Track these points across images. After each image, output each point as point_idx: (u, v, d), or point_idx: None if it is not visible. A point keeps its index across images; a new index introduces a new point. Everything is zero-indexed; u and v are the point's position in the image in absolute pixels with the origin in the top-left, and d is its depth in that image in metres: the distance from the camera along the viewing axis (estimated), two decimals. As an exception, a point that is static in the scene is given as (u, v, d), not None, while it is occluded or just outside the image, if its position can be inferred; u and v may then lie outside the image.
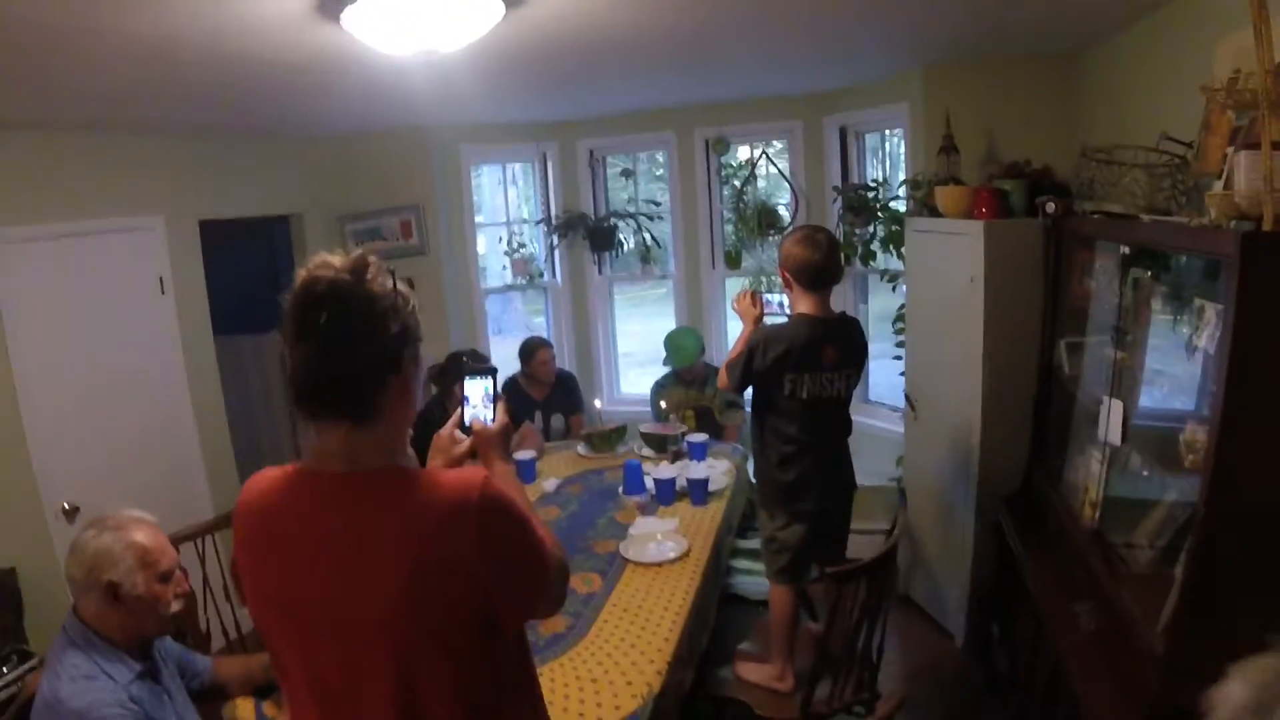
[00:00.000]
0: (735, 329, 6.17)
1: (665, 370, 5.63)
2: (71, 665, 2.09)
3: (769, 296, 3.57)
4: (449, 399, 4.54)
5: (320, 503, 1.45)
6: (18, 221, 3.90)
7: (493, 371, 1.93)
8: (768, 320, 3.42)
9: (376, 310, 1.40)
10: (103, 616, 2.17)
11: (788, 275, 3.29)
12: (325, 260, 1.43)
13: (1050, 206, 3.55)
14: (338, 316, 1.37)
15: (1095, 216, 3.09)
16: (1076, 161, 3.46)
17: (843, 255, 5.15)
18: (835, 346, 3.24)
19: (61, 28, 2.39)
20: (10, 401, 3.87)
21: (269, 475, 1.54)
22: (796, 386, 3.21)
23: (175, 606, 2.29)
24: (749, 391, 3.38)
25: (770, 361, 3.19)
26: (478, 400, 1.88)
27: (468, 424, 1.86)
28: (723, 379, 3.40)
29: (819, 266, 3.23)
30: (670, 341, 5.53)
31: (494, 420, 1.87)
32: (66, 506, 4.03)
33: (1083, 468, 3.18)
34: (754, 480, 3.56)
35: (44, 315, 4.03)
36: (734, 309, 3.54)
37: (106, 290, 4.36)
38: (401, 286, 1.48)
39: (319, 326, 1.37)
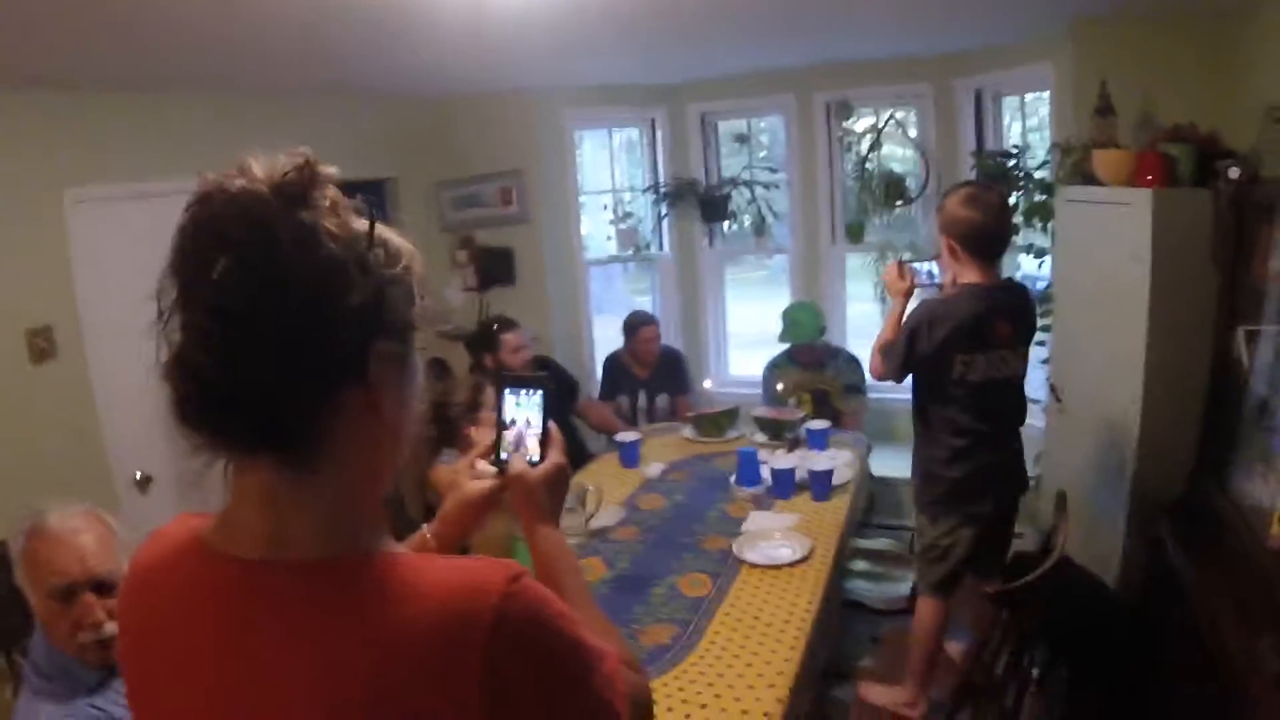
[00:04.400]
0: (858, 309, 5.83)
1: (778, 351, 5.30)
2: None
3: (918, 266, 3.20)
4: (472, 391, 3.50)
5: (211, 608, 0.88)
6: (93, 181, 3.81)
7: (544, 384, 1.35)
8: (920, 294, 3.06)
9: (318, 261, 0.81)
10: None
11: (952, 241, 2.92)
12: (240, 163, 0.85)
13: (1233, 172, 3.11)
14: (243, 267, 0.79)
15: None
16: (1259, 124, 3.06)
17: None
18: (1008, 320, 2.90)
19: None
20: (81, 368, 3.79)
21: (166, 535, 0.98)
22: (968, 369, 2.88)
23: (82, 639, 1.75)
24: (903, 379, 3.05)
25: (937, 342, 2.85)
26: (521, 423, 1.33)
27: (504, 457, 1.32)
28: (876, 366, 3.05)
29: (990, 231, 2.88)
30: (788, 316, 5.18)
31: (541, 459, 1.31)
32: (139, 476, 3.94)
33: (1266, 478, 2.76)
34: (913, 480, 3.21)
35: (116, 277, 3.86)
36: (883, 283, 3.20)
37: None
38: (388, 233, 0.91)
39: (210, 284, 0.79)
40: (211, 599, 0.88)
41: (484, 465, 1.33)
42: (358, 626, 0.82)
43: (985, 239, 2.89)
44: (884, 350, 3.01)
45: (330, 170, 0.87)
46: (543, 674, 0.87)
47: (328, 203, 0.85)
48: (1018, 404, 3.07)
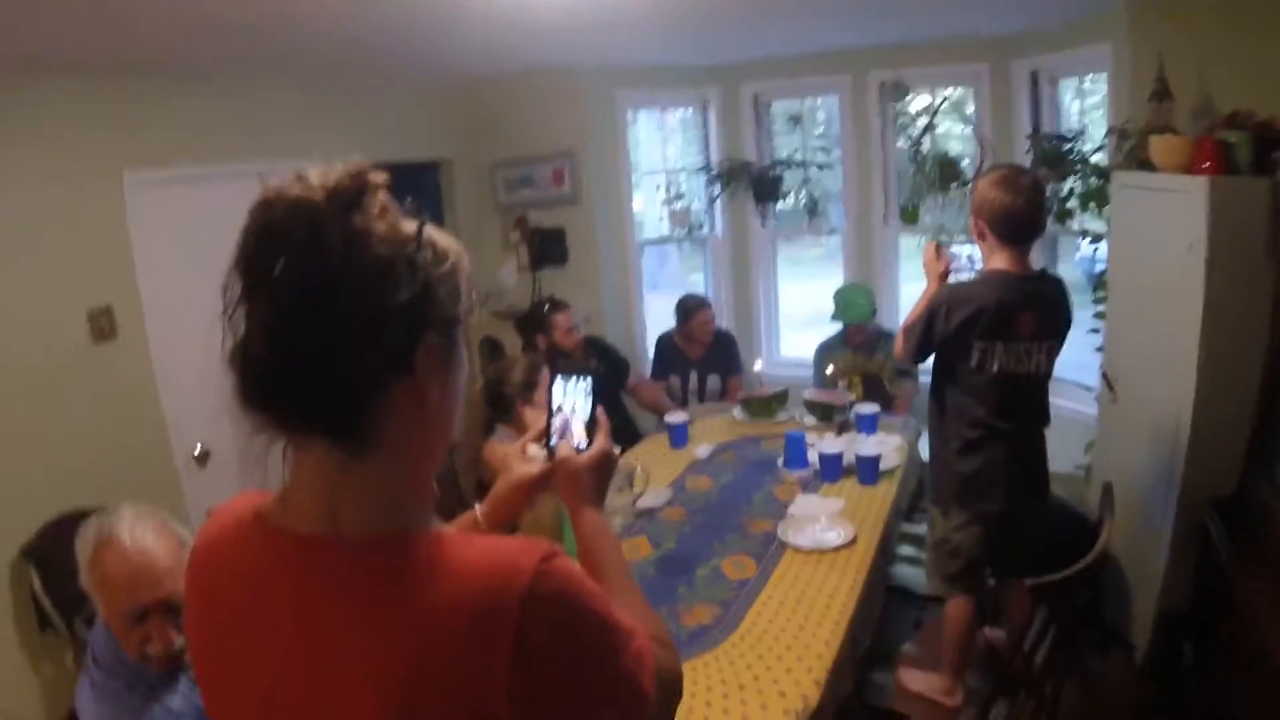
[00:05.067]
0: (911, 291, 5.79)
1: (831, 332, 5.29)
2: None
3: (956, 250, 3.14)
4: (525, 371, 3.49)
5: (272, 580, 0.96)
6: (152, 163, 3.90)
7: (591, 371, 1.44)
8: (954, 278, 3.01)
9: (368, 261, 0.89)
10: None
11: (982, 224, 2.85)
12: (299, 172, 0.92)
13: (1293, 160, 3.05)
14: (300, 266, 0.87)
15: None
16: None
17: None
18: (1034, 312, 2.79)
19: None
20: (141, 346, 3.90)
21: (229, 511, 1.06)
22: (986, 357, 2.79)
23: (150, 651, 1.77)
24: (928, 362, 2.99)
25: (955, 325, 2.77)
26: (569, 409, 1.40)
27: (552, 442, 1.39)
28: (899, 346, 3.00)
29: (1020, 214, 2.77)
30: (841, 296, 5.16)
31: (589, 445, 1.38)
32: (199, 451, 4.04)
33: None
34: (928, 467, 3.16)
35: (174, 258, 3.99)
36: (924, 267, 3.14)
37: (238, 236, 4.28)
38: (435, 234, 0.97)
39: (271, 280, 0.87)
40: (269, 570, 0.97)
41: (534, 449, 1.40)
42: (401, 602, 0.89)
43: (1015, 223, 2.79)
44: (906, 330, 2.95)
45: (380, 176, 0.94)
46: (571, 649, 0.93)
47: (378, 208, 0.92)
48: (1039, 403, 2.97)
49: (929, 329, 2.85)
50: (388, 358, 0.91)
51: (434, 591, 0.89)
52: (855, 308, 5.07)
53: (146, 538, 1.80)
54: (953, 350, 2.85)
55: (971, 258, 3.12)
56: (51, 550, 3.44)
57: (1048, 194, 4.60)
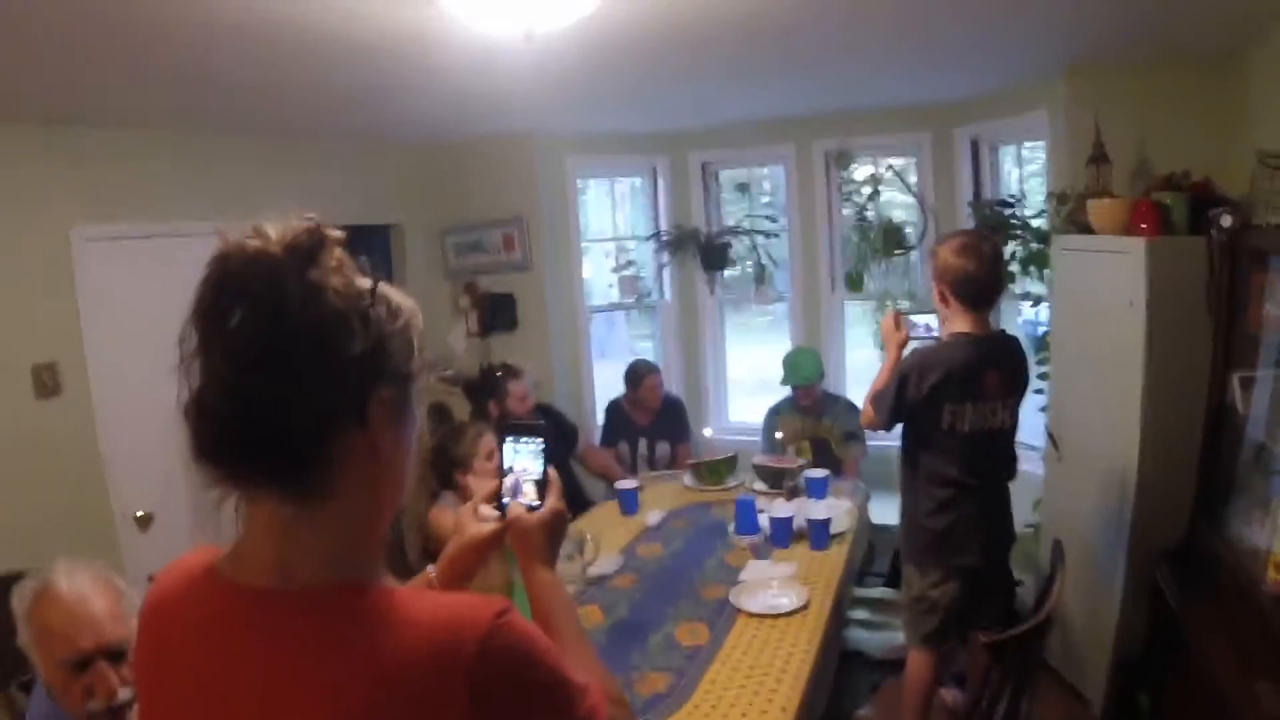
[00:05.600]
0: (858, 357, 5.84)
1: (779, 397, 5.31)
2: None
3: (914, 319, 3.20)
4: (470, 440, 3.42)
5: (223, 634, 0.95)
6: (98, 220, 3.86)
7: (541, 431, 1.42)
8: (914, 345, 3.06)
9: (323, 314, 0.89)
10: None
11: (944, 289, 2.93)
12: (256, 227, 0.92)
13: (1225, 220, 3.13)
14: (257, 319, 0.87)
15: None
16: (1251, 170, 3.08)
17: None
18: (999, 371, 2.88)
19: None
20: (85, 404, 3.82)
21: (181, 566, 1.04)
22: (957, 419, 2.85)
23: (93, 707, 1.71)
24: (893, 427, 3.02)
25: (926, 390, 2.83)
26: (520, 469, 1.39)
27: (505, 501, 1.38)
28: (867, 414, 3.03)
29: (982, 280, 2.87)
30: (789, 359, 5.20)
31: (540, 504, 1.37)
32: (140, 514, 3.96)
33: (1263, 523, 2.75)
34: (900, 527, 3.17)
35: (121, 317, 3.94)
36: (880, 336, 3.19)
37: (187, 295, 4.17)
38: (389, 291, 0.99)
39: (227, 332, 0.88)
40: (221, 624, 0.95)
41: (486, 509, 1.39)
42: (354, 654, 0.89)
43: (977, 288, 2.88)
44: (875, 398, 2.99)
45: (337, 233, 0.95)
46: (525, 703, 0.94)
47: (334, 262, 0.93)
48: (1007, 458, 3.04)
49: (900, 395, 2.89)
50: (341, 409, 0.92)
51: (388, 644, 0.89)
52: (803, 370, 5.09)
53: (84, 585, 1.77)
54: (924, 414, 2.89)
55: (929, 325, 3.16)
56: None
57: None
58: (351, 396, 0.92)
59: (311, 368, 0.89)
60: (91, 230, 3.81)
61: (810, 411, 5.12)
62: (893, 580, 4.49)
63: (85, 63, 2.82)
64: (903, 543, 3.10)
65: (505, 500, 1.38)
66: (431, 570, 1.39)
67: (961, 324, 2.91)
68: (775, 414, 5.25)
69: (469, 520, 1.40)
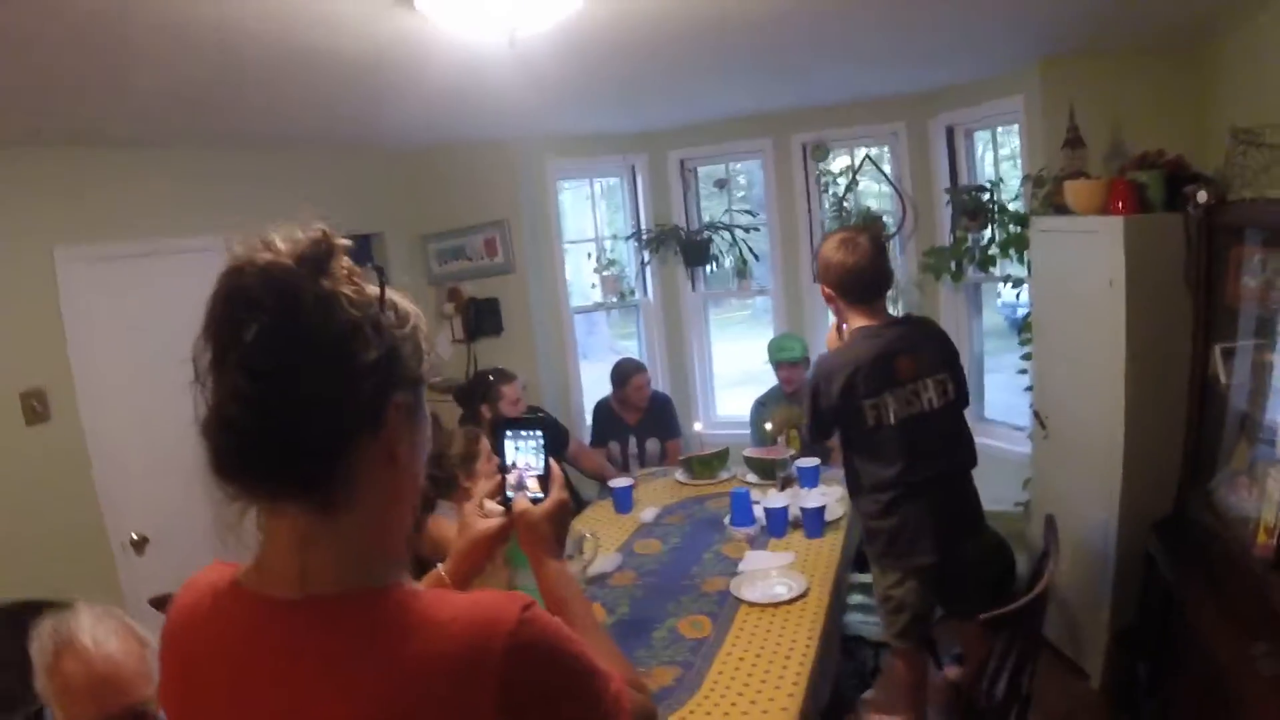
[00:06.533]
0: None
1: (764, 389, 5.33)
2: None
3: None
4: (469, 442, 3.46)
5: (250, 646, 0.95)
6: (83, 239, 3.82)
7: (543, 424, 1.44)
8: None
9: (338, 325, 0.90)
10: None
11: (828, 290, 2.92)
12: (264, 240, 0.93)
13: (1202, 196, 3.17)
14: (273, 331, 0.88)
15: (1257, 203, 2.73)
16: (1225, 146, 3.12)
17: (954, 262, 4.80)
18: (908, 354, 2.84)
19: (118, 14, 2.20)
20: (75, 429, 3.78)
21: (202, 581, 1.05)
22: (880, 412, 2.81)
23: None
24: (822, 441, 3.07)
25: (837, 395, 2.81)
26: (523, 465, 1.41)
27: (510, 496, 1.40)
28: (802, 442, 3.01)
29: (864, 271, 2.85)
30: (773, 342, 5.22)
31: (546, 495, 1.39)
32: (135, 537, 3.93)
33: (1251, 490, 2.81)
34: (860, 531, 3.18)
35: (108, 337, 3.91)
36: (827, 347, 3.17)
37: (178, 309, 4.13)
38: (397, 296, 0.99)
39: (243, 346, 0.88)
40: (248, 638, 0.96)
41: (491, 505, 1.41)
42: (383, 658, 0.89)
43: (861, 282, 2.86)
44: (801, 428, 2.99)
45: (344, 241, 0.96)
46: (554, 696, 0.96)
47: (345, 271, 0.94)
48: (954, 441, 2.98)
49: (815, 408, 2.89)
50: (359, 416, 0.93)
51: (417, 646, 0.90)
52: (787, 350, 5.10)
53: (110, 642, 1.74)
54: (846, 419, 2.87)
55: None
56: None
57: (972, 241, 4.73)
58: (368, 404, 0.93)
59: (329, 378, 0.90)
60: (74, 250, 3.77)
61: (796, 397, 5.10)
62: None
63: (64, 83, 2.79)
64: (864, 544, 3.09)
65: (510, 495, 1.40)
66: (441, 568, 1.41)
67: (857, 319, 2.90)
68: (761, 405, 5.26)
69: (475, 517, 1.41)
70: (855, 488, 3.04)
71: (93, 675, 1.70)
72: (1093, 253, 3.54)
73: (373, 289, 0.96)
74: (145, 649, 1.78)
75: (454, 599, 0.97)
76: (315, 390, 0.89)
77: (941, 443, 2.93)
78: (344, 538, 0.95)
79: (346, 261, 0.95)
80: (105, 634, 1.75)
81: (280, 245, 0.92)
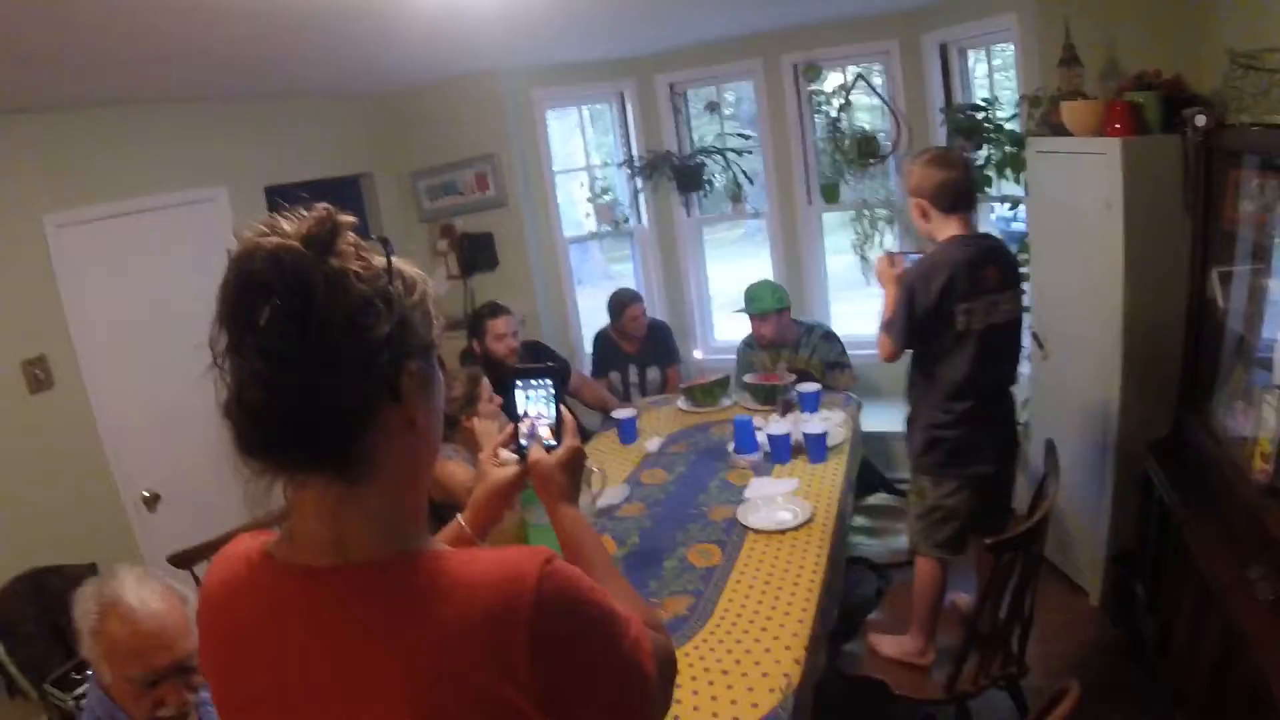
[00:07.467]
0: (836, 263, 5.87)
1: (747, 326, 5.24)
2: None
3: (909, 255, 3.22)
4: (469, 383, 3.51)
5: (291, 616, 0.99)
6: (71, 204, 3.80)
7: (553, 372, 1.46)
8: None
9: (350, 300, 0.92)
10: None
11: (924, 202, 2.96)
12: (270, 223, 0.95)
13: (1200, 119, 3.16)
14: (287, 314, 0.90)
15: (1255, 129, 2.73)
16: (1223, 70, 3.09)
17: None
18: (995, 264, 2.92)
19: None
20: (79, 393, 3.81)
21: (235, 554, 1.08)
22: (971, 318, 2.88)
23: (162, 714, 1.79)
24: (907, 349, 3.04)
25: (936, 294, 2.85)
26: (535, 414, 1.43)
27: (524, 444, 1.42)
28: (883, 346, 2.99)
29: (959, 184, 2.93)
30: (748, 290, 4.99)
31: (559, 443, 1.41)
32: (147, 494, 3.99)
33: (1247, 413, 2.84)
34: (911, 440, 3.18)
35: (105, 298, 3.93)
36: (876, 278, 3.19)
37: (172, 266, 4.15)
38: (402, 265, 1.01)
39: (258, 329, 0.91)
40: (286, 607, 1.00)
41: (506, 454, 1.44)
42: (419, 618, 0.93)
43: (957, 192, 2.93)
44: (887, 326, 2.98)
45: (348, 218, 0.98)
46: (580, 640, 1.00)
47: (351, 247, 0.96)
48: (1012, 356, 3.09)
49: (911, 309, 2.91)
50: (377, 389, 0.96)
51: (448, 608, 0.94)
52: (758, 301, 4.88)
53: (154, 601, 1.80)
54: (938, 320, 2.90)
55: (924, 256, 3.17)
56: (12, 615, 3.25)
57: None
58: (385, 375, 0.96)
59: (345, 354, 0.92)
60: (64, 216, 3.76)
61: (771, 346, 4.97)
62: (888, 487, 4.59)
63: (37, 48, 2.74)
64: (917, 455, 3.11)
65: (524, 444, 1.42)
66: (460, 518, 1.45)
67: (950, 228, 2.95)
68: (748, 346, 5.11)
69: (490, 466, 1.45)
70: (924, 398, 3.07)
71: (139, 634, 1.76)
72: (1090, 175, 3.54)
73: (379, 260, 0.98)
74: (185, 605, 1.84)
75: (480, 558, 1.01)
76: (332, 369, 0.92)
77: (1007, 356, 3.07)
78: (373, 505, 0.98)
79: (352, 237, 0.97)
80: (149, 594, 1.81)
81: (286, 227, 0.94)
